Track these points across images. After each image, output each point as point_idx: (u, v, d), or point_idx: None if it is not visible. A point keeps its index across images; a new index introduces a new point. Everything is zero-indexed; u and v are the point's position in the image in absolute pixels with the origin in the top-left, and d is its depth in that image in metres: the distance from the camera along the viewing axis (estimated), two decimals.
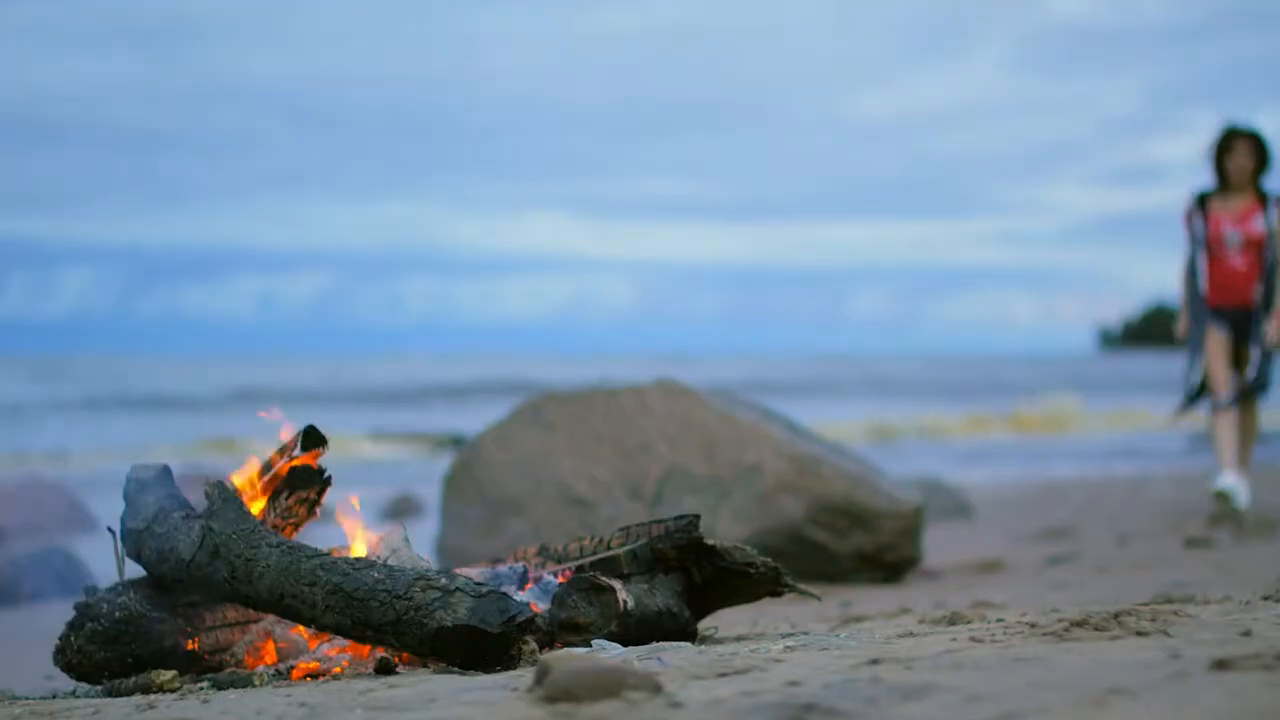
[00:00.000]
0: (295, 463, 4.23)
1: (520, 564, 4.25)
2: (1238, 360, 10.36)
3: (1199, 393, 10.47)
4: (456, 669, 3.63)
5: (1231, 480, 9.87)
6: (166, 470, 4.22)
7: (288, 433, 4.26)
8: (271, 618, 4.12)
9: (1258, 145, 10.41)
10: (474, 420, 8.16)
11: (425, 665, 3.76)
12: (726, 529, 6.85)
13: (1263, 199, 10.36)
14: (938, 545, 8.47)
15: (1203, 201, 10.43)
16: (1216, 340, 10.31)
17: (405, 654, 3.77)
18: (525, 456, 7.20)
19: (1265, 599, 4.08)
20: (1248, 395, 10.30)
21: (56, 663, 4.15)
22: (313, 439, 4.22)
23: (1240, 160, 10.30)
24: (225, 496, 3.99)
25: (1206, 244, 10.36)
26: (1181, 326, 10.56)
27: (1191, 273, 10.46)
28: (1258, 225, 10.29)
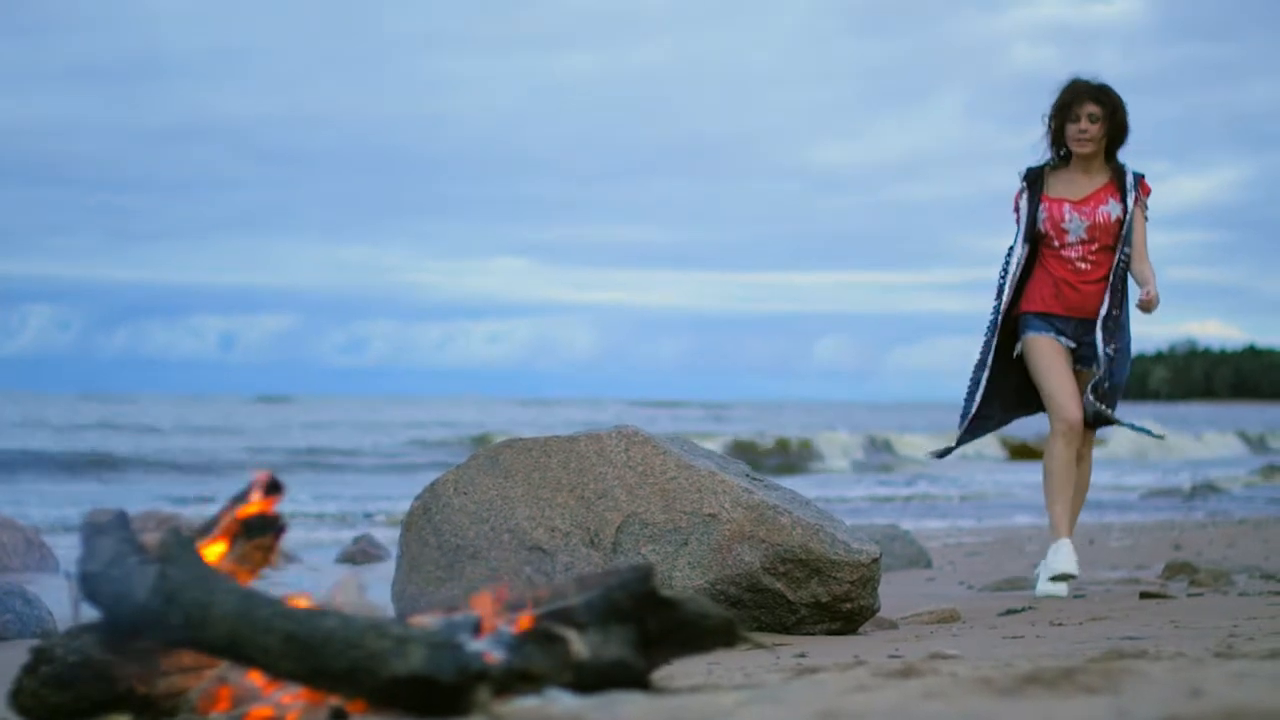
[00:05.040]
0: (252, 509, 4.24)
1: (475, 612, 4.25)
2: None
3: (974, 426, 8.42)
4: (410, 718, 3.63)
5: (1063, 568, 8.34)
6: (123, 515, 4.22)
7: (245, 480, 4.28)
8: (226, 664, 4.12)
9: (1110, 105, 8.06)
10: (428, 474, 8.16)
11: (379, 714, 3.76)
12: (684, 578, 6.86)
13: (1118, 176, 8.11)
14: (895, 595, 8.49)
15: (1038, 179, 8.12)
16: (1047, 347, 8.11)
17: (359, 702, 3.78)
18: (483, 503, 7.20)
19: (1217, 655, 4.11)
20: (1093, 424, 8.18)
21: (10, 705, 4.14)
22: (270, 486, 4.23)
23: (1086, 125, 8.03)
24: (182, 542, 3.99)
25: (1045, 233, 8.08)
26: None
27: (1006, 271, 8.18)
28: (1111, 211, 8.04)
